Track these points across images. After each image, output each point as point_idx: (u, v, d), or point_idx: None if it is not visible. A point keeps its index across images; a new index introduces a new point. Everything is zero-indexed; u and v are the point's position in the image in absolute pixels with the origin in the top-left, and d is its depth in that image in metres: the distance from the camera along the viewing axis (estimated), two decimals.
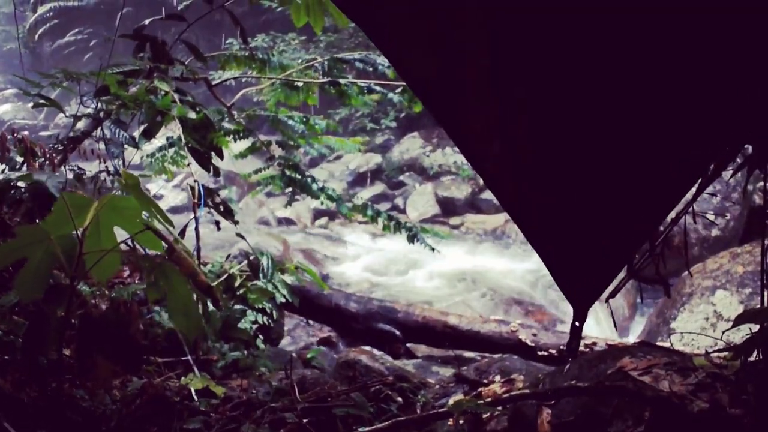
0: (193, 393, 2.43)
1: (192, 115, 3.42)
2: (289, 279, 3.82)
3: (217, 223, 3.54)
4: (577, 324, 2.30)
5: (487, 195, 9.83)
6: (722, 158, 1.93)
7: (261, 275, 3.71)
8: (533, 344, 4.25)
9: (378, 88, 4.12)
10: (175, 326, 1.72)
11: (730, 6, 1.49)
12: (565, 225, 2.07)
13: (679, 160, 1.81)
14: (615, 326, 4.54)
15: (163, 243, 1.86)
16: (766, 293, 1.83)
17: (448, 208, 10.20)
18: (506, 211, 2.19)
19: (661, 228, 2.22)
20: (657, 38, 1.57)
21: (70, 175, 3.09)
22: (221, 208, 3.49)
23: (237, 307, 3.53)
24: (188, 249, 2.11)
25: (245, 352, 3.17)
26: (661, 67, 1.60)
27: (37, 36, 16.44)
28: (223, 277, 3.66)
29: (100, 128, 3.38)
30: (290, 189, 4.23)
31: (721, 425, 1.56)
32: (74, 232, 1.69)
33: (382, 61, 4.02)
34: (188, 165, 3.58)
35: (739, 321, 1.58)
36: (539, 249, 2.18)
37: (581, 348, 3.87)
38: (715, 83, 1.61)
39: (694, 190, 2.06)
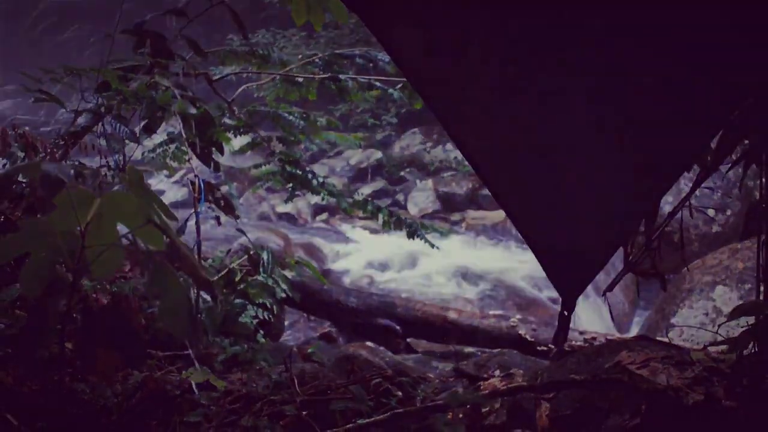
0: (194, 386, 2.44)
1: (192, 110, 3.42)
2: (289, 274, 3.84)
3: (218, 219, 3.54)
4: (565, 313, 2.33)
5: (488, 191, 9.77)
6: (719, 153, 1.93)
7: (261, 270, 3.72)
8: (533, 339, 4.26)
9: (378, 84, 4.12)
10: (162, 325, 1.73)
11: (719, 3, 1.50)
12: (558, 218, 2.08)
13: (668, 155, 1.82)
14: (612, 320, 4.55)
15: (165, 238, 1.87)
16: (762, 287, 1.84)
17: (449, 203, 10.17)
18: (501, 207, 2.20)
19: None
20: (651, 36, 1.58)
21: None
22: (222, 203, 3.49)
23: (237, 301, 3.54)
24: (188, 245, 2.12)
25: (245, 346, 3.18)
26: (656, 63, 1.61)
27: (37, 32, 16.41)
28: (224, 272, 3.68)
29: (100, 123, 3.38)
30: (291, 185, 4.23)
31: (715, 417, 1.57)
32: (77, 227, 1.69)
33: (382, 57, 4.02)
34: (189, 160, 3.58)
35: (734, 314, 1.59)
36: (531, 241, 2.19)
37: (581, 343, 3.89)
38: (707, 87, 1.63)
39: (691, 185, 2.07)
